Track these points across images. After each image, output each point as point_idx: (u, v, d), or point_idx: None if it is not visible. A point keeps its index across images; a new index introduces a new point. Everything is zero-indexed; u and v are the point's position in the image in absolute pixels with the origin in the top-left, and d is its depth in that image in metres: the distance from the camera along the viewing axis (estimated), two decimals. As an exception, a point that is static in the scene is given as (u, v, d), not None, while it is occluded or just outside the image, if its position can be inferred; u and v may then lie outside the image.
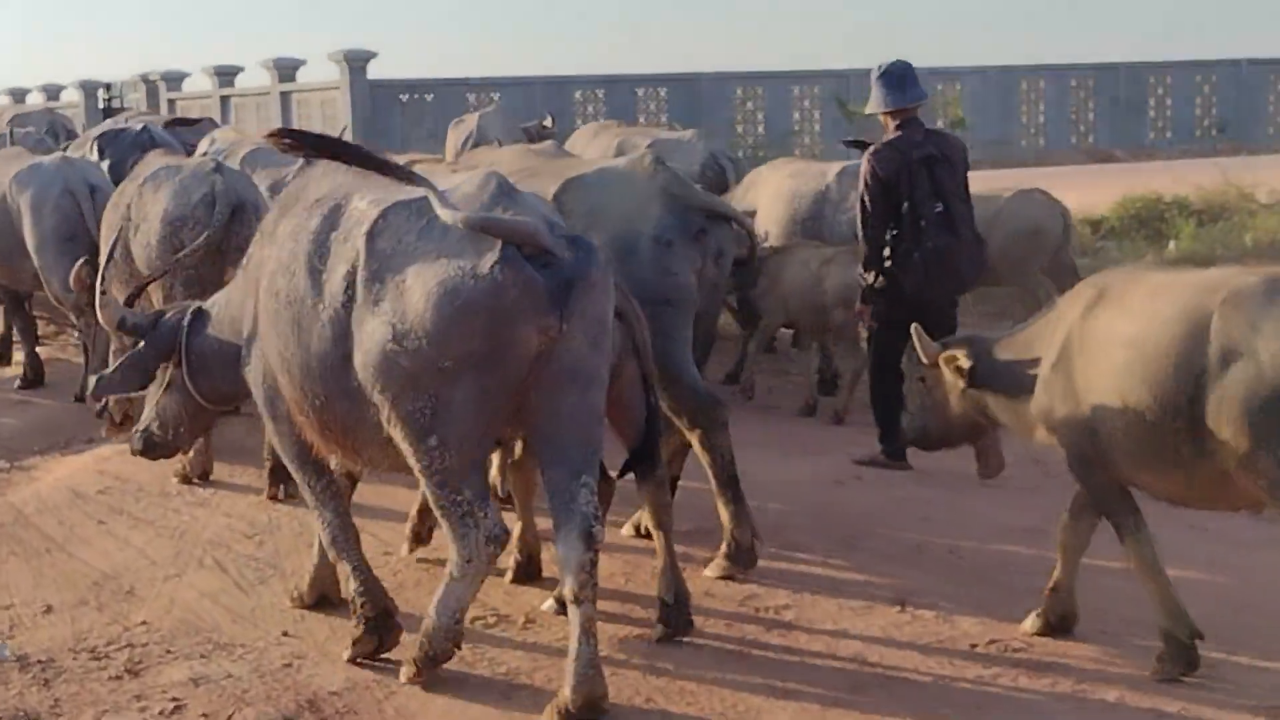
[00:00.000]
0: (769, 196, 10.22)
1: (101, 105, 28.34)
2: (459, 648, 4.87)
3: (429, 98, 25.47)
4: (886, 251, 7.38)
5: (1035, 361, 5.07)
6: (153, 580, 6.24)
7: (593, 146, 11.98)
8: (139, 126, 11.87)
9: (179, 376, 5.69)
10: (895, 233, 7.34)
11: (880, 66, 7.49)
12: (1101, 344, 4.77)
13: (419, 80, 26.17)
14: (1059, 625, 5.26)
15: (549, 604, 5.58)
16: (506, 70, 29.76)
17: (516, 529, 5.79)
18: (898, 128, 7.45)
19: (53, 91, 34.18)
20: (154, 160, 8.41)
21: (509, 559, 5.85)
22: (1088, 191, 15.90)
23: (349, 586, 5.30)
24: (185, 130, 13.21)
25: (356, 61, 24.81)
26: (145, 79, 30.49)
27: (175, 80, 30.57)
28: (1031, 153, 29.12)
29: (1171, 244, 14.47)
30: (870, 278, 7.43)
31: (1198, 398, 4.46)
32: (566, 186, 5.88)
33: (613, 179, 6.04)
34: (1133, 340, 4.65)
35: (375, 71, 25.18)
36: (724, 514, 5.91)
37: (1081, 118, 30.67)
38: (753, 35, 53.58)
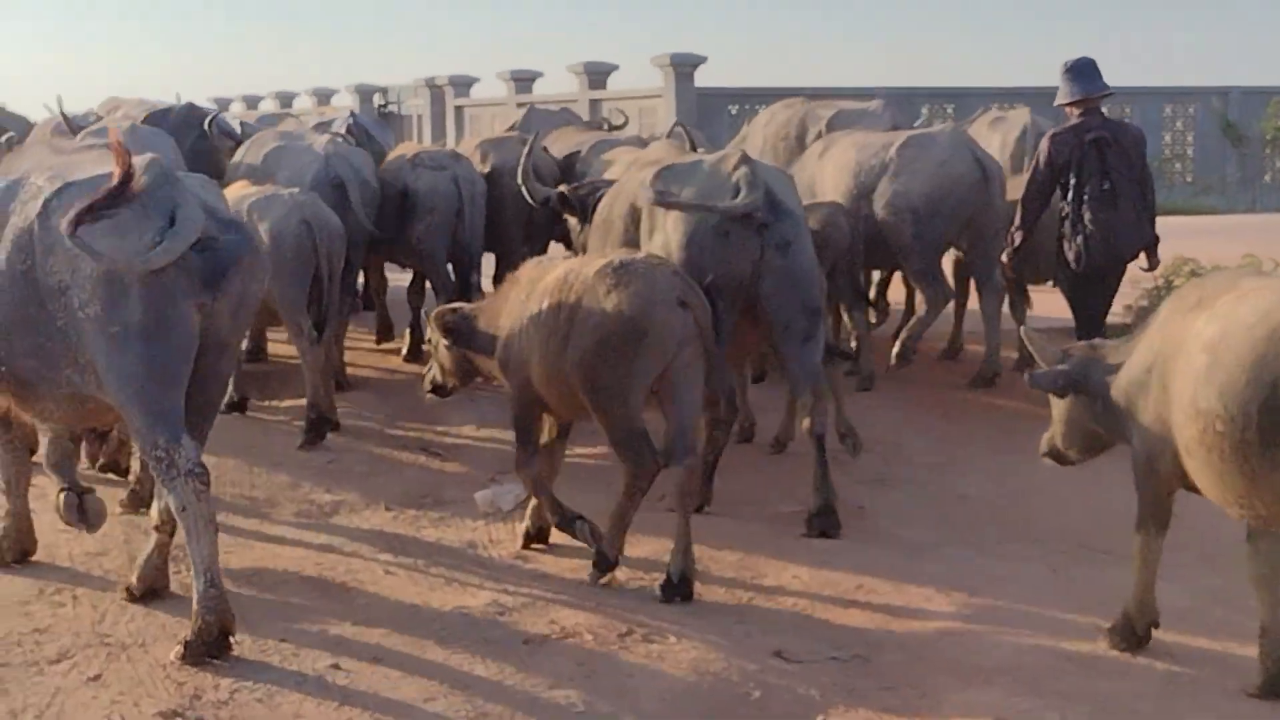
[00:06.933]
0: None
1: (376, 112, 26.61)
2: (228, 625, 4.99)
3: (759, 109, 24.44)
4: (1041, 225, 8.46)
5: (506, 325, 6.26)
6: None
7: (773, 123, 11.66)
8: (184, 104, 12.10)
9: None
10: (1067, 210, 8.22)
11: (1067, 62, 8.25)
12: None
13: (749, 89, 24.09)
14: None
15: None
16: (846, 81, 22.77)
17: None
18: (1079, 116, 8.26)
19: (323, 96, 32.15)
20: None
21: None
22: None
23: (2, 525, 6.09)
24: None
25: (683, 67, 22.90)
26: (430, 83, 27.87)
27: (464, 85, 28.12)
28: None
29: None
30: (1017, 239, 8.44)
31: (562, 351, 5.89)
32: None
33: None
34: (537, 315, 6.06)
35: (703, 79, 23.29)
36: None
37: None
38: (1129, 50, 38.71)
